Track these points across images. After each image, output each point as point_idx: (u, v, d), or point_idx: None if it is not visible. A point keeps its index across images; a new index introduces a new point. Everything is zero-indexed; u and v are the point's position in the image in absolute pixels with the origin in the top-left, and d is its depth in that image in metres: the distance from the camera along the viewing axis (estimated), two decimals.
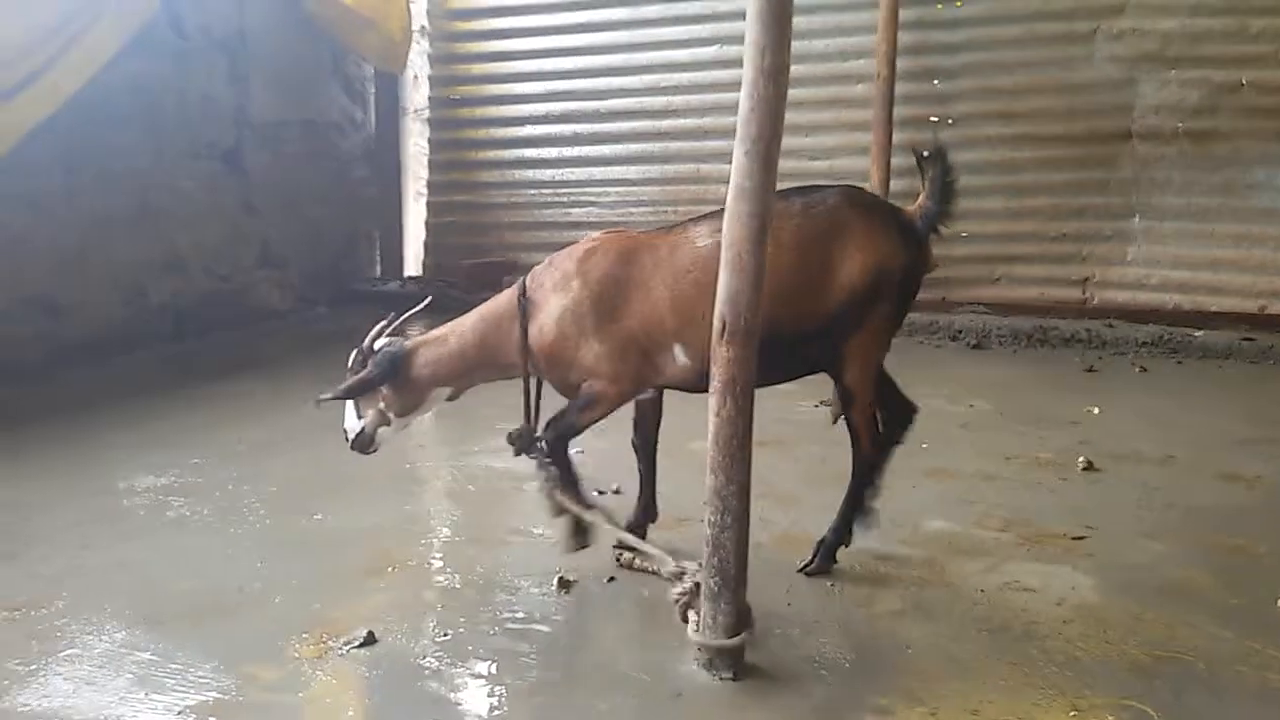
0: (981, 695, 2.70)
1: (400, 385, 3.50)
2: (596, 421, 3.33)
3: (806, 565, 3.44)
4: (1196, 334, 6.48)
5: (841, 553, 3.50)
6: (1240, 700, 2.69)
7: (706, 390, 3.08)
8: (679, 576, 2.99)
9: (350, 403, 3.55)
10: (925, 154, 3.38)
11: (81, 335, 6.29)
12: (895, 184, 7.33)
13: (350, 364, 3.54)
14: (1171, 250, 7.03)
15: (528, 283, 3.37)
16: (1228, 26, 6.76)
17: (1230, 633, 3.01)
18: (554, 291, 3.29)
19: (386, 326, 3.66)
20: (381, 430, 3.56)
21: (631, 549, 3.37)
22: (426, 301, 3.88)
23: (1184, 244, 7.00)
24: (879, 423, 3.43)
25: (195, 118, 7.08)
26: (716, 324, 2.69)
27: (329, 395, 3.49)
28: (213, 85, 7.20)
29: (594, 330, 3.22)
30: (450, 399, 3.60)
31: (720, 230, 3.12)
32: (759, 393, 2.76)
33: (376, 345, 3.57)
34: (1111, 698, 2.68)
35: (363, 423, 3.52)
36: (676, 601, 2.96)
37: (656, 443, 3.62)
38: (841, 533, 3.46)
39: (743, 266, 2.64)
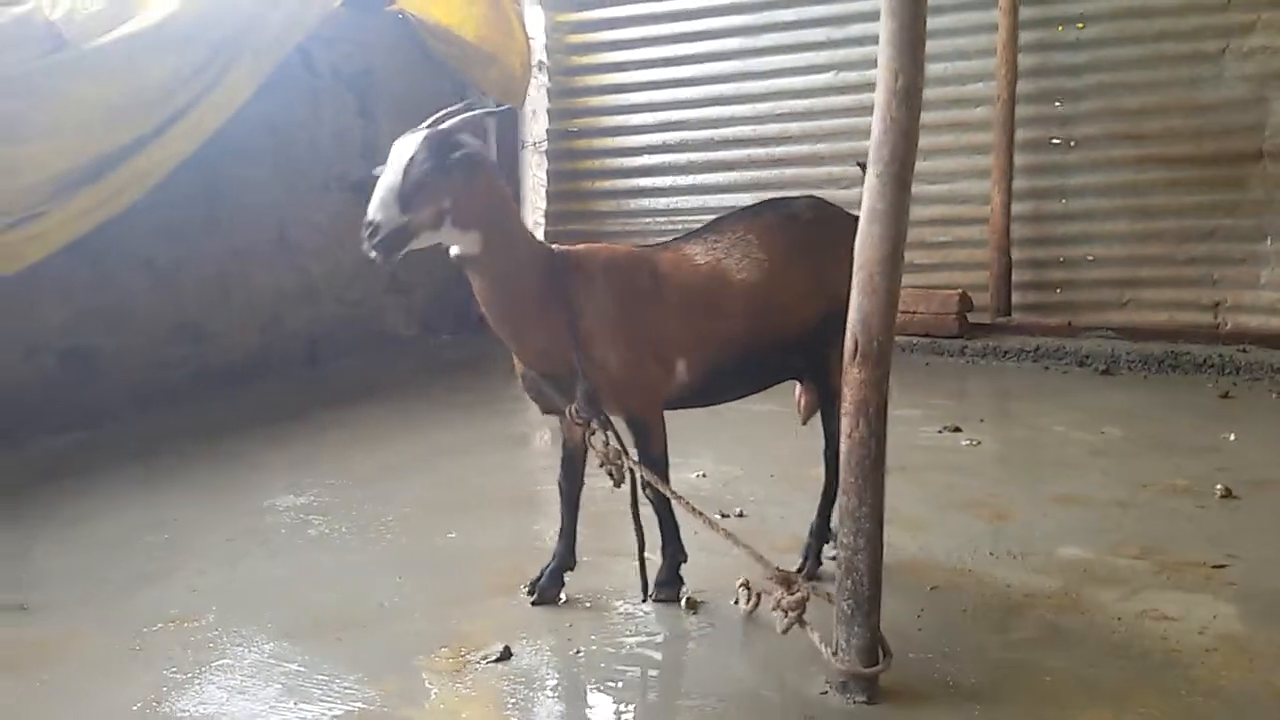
0: None
1: (468, 196, 3.04)
2: (665, 438, 3.36)
3: (801, 568, 3.50)
4: None
5: (973, 579, 3.49)
6: None
7: (688, 407, 3.45)
8: (787, 584, 2.95)
9: (398, 190, 2.94)
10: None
11: (223, 361, 6.59)
12: (1017, 207, 7.27)
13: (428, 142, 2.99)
14: None
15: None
16: None
17: None
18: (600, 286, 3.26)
19: (464, 114, 3.14)
20: (424, 237, 3.04)
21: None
22: (504, 108, 3.79)
23: None
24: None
25: (326, 152, 7.37)
26: (849, 345, 2.72)
27: (456, 120, 3.08)
28: (342, 121, 7.50)
29: (625, 336, 3.24)
30: (456, 261, 3.19)
31: (714, 247, 3.40)
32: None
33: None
34: None
35: (409, 217, 2.95)
36: (784, 610, 2.90)
37: (582, 485, 3.56)
38: (824, 533, 3.58)
39: (875, 288, 2.66)
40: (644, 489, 3.33)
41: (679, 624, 3.29)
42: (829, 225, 3.51)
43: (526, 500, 4.67)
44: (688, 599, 3.40)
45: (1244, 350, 6.49)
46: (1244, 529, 3.94)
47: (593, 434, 3.29)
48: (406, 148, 2.97)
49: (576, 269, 3.23)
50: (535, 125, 8.94)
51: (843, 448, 2.74)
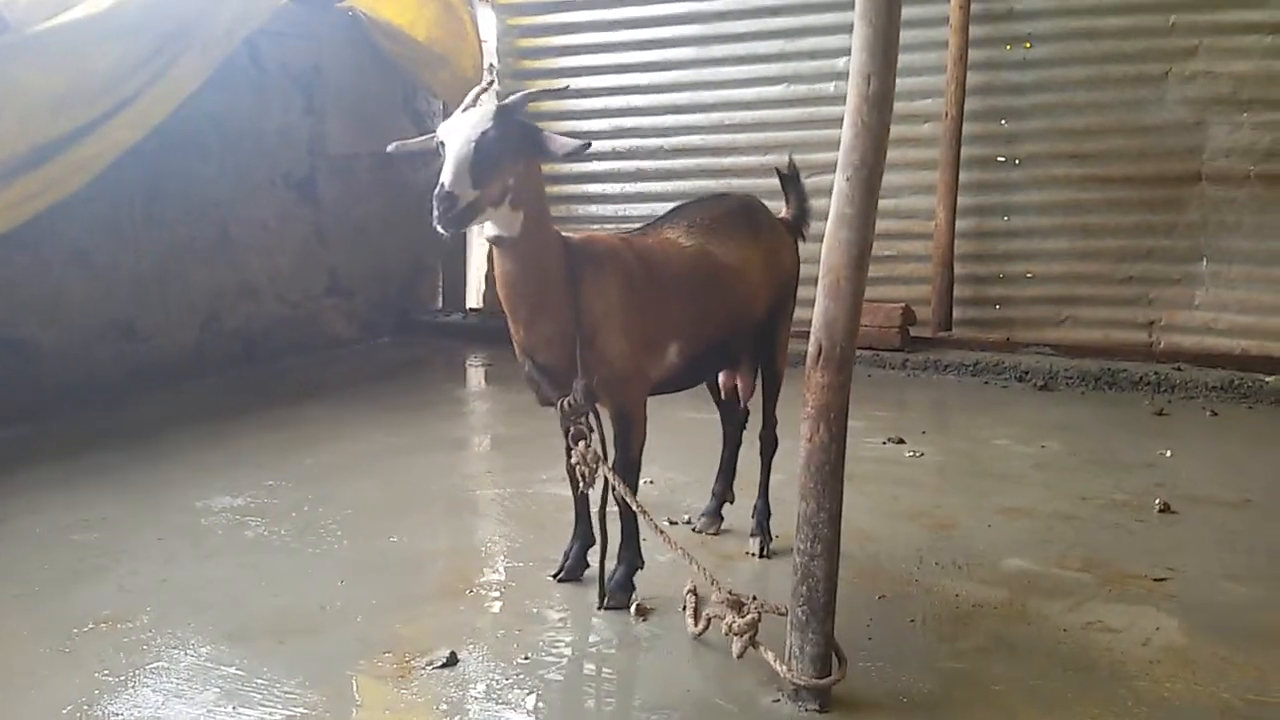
0: None
1: (527, 177, 3.01)
2: (645, 435, 3.37)
3: (761, 552, 3.81)
4: (1267, 379, 6.36)
5: (920, 589, 3.51)
6: None
7: (675, 390, 3.57)
8: (738, 608, 2.94)
9: (470, 162, 2.83)
10: (783, 172, 4.02)
11: (159, 359, 6.43)
12: (961, 223, 7.35)
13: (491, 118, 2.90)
14: (1240, 295, 6.93)
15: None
16: None
17: None
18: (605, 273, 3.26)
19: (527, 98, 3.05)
20: (486, 213, 2.93)
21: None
22: (565, 86, 3.87)
23: (1253, 288, 6.90)
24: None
25: (272, 149, 7.24)
26: (812, 349, 2.70)
27: (519, 97, 3.00)
28: (289, 117, 7.37)
29: (627, 325, 3.25)
30: (493, 241, 3.09)
31: (691, 230, 3.53)
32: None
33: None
34: None
35: (479, 192, 2.83)
36: (735, 633, 2.89)
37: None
38: (767, 510, 3.87)
39: (841, 293, 2.65)
40: (612, 491, 3.29)
41: (629, 631, 3.26)
42: (769, 218, 3.85)
43: (468, 503, 4.61)
44: (638, 606, 3.36)
45: (1178, 369, 6.61)
46: (1183, 543, 4.01)
47: (575, 431, 3.25)
48: (475, 121, 2.88)
49: (586, 258, 3.20)
50: None
51: (801, 452, 2.73)
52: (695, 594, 3.27)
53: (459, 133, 2.87)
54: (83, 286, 6.02)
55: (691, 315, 3.45)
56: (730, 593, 2.99)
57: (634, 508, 3.24)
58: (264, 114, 7.17)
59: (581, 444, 3.24)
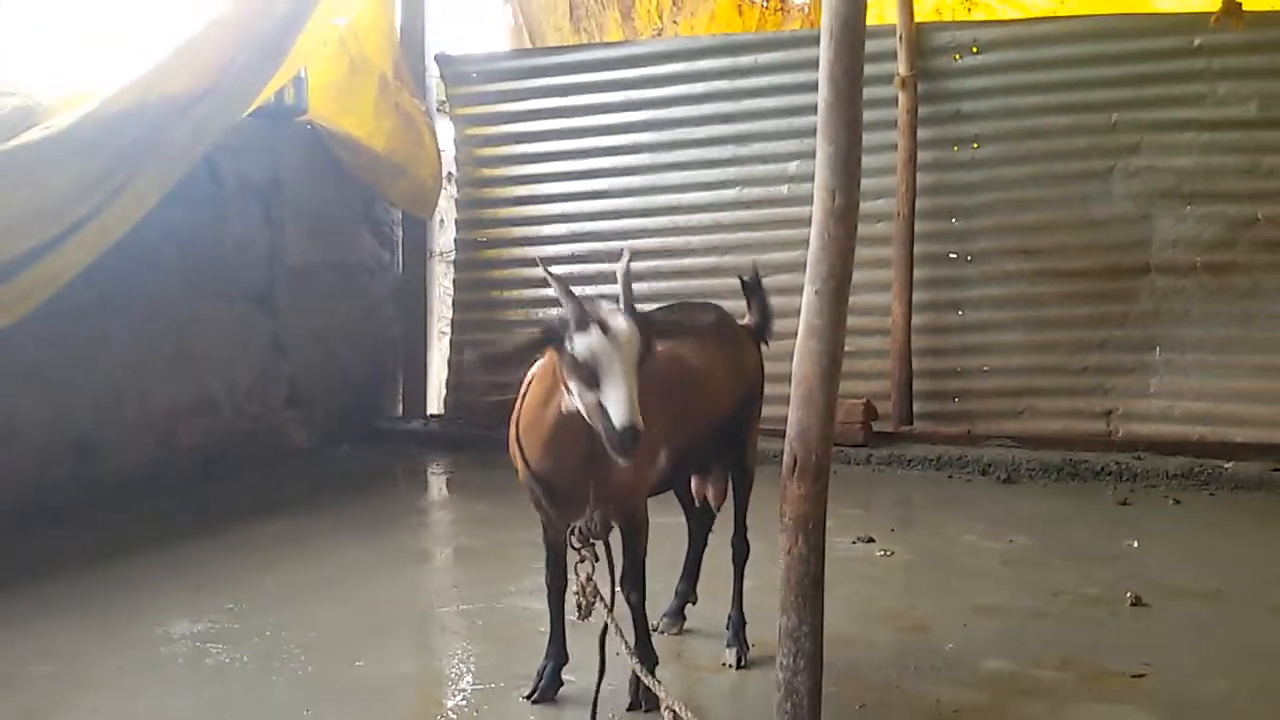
0: None
1: None
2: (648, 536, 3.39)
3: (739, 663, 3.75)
4: (1226, 466, 6.46)
5: (901, 695, 3.47)
6: None
7: (654, 495, 3.52)
8: None
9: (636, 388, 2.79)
10: (746, 280, 4.08)
11: (114, 478, 6.28)
12: (917, 318, 7.45)
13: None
14: (1194, 382, 7.06)
15: None
16: (1240, 164, 6.94)
17: None
18: None
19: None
20: None
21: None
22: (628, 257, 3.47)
23: (1206, 376, 7.04)
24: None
25: (230, 261, 7.21)
26: (787, 460, 2.71)
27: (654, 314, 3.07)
28: (248, 230, 7.36)
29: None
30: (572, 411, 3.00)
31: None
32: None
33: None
34: None
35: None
36: None
37: (567, 582, 3.45)
38: (742, 620, 3.84)
39: (814, 402, 2.68)
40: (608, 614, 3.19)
41: None
42: (733, 322, 3.94)
43: (435, 621, 4.52)
44: None
45: (1139, 457, 6.69)
46: (1157, 637, 4.01)
47: (581, 560, 3.17)
48: (630, 349, 2.79)
49: None
50: (443, 235, 8.93)
51: (781, 565, 2.72)
52: (674, 713, 3.19)
53: (619, 362, 2.76)
54: (35, 406, 5.90)
55: (675, 420, 3.42)
56: None
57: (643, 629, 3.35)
58: (222, 227, 7.15)
59: (584, 575, 3.17)
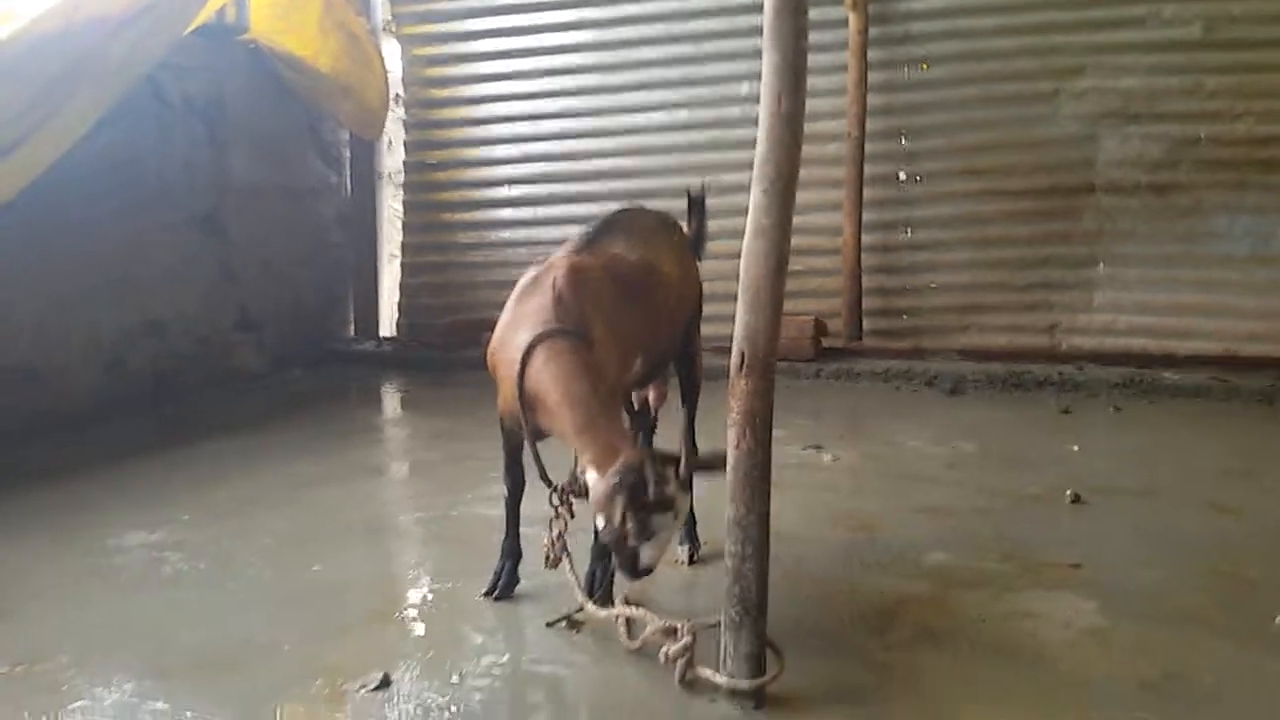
0: (1000, 714, 2.75)
1: None
2: None
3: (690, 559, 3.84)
4: (1166, 375, 6.64)
5: (847, 588, 3.59)
6: (1250, 711, 2.77)
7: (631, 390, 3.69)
8: (671, 634, 2.95)
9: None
10: (692, 195, 4.13)
11: (61, 404, 6.22)
12: (866, 238, 7.53)
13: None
14: (1137, 296, 7.21)
15: None
16: (1185, 84, 7.02)
17: (1233, 651, 3.09)
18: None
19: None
20: None
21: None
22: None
23: (1148, 290, 7.19)
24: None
25: (175, 184, 7.09)
26: (735, 358, 2.76)
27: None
28: (192, 152, 7.24)
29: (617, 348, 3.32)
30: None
31: (631, 243, 3.55)
32: None
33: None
34: (1128, 713, 2.74)
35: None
36: (672, 660, 2.91)
37: (524, 484, 3.54)
38: (693, 519, 3.84)
39: (762, 302, 2.73)
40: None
41: (564, 643, 3.25)
42: (681, 231, 4.00)
43: (391, 528, 4.58)
44: (569, 619, 3.36)
45: (1081, 369, 6.85)
46: (1095, 532, 4.15)
47: (556, 517, 3.26)
48: (677, 517, 2.94)
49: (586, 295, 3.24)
50: (391, 157, 8.83)
51: (730, 458, 2.78)
52: (627, 603, 3.28)
53: (671, 529, 2.91)
54: None
55: (647, 327, 3.48)
56: (662, 623, 3.00)
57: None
58: (167, 150, 7.02)
59: (556, 531, 3.27)
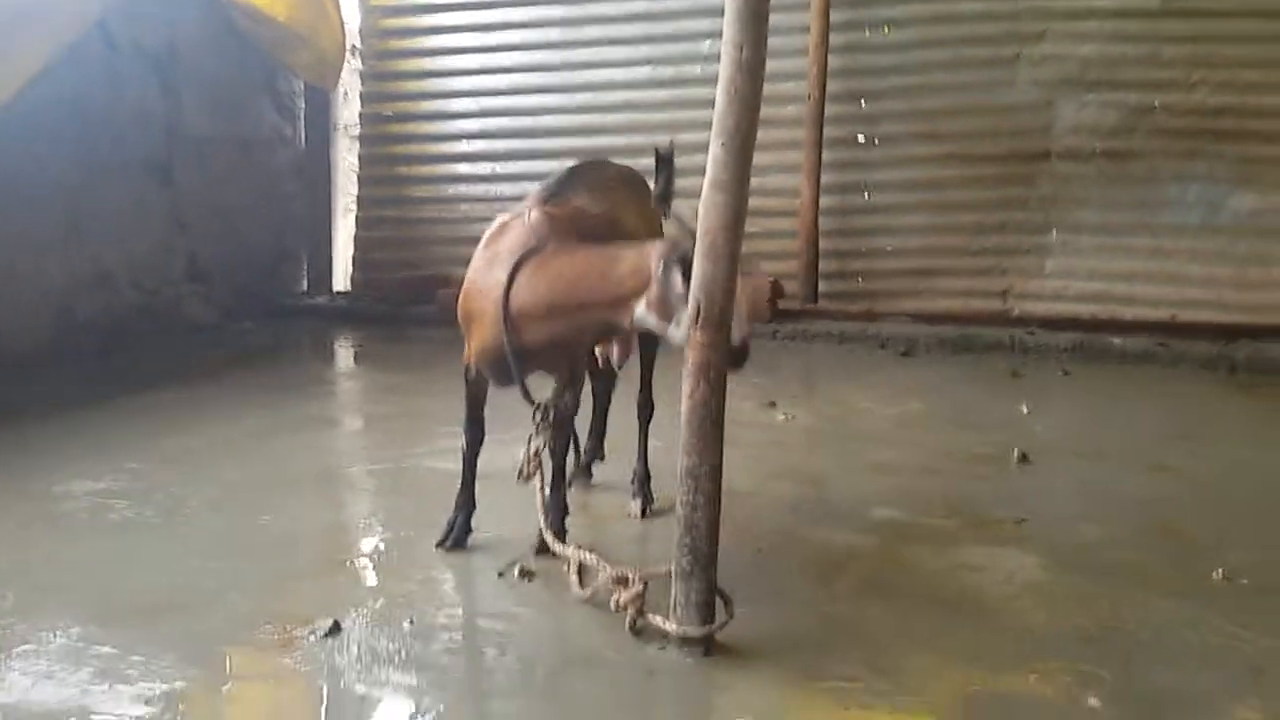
0: (943, 664, 2.79)
1: None
2: None
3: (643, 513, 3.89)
4: (1114, 340, 6.75)
5: (797, 540, 3.64)
6: (1184, 662, 2.83)
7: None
8: (623, 582, 2.99)
9: None
10: (661, 152, 3.86)
11: (8, 353, 6.11)
12: (824, 200, 7.55)
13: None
14: (1088, 263, 7.31)
15: None
16: (1141, 53, 7.09)
17: (1171, 604, 3.16)
18: None
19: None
20: None
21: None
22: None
23: (1100, 257, 7.29)
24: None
25: (126, 132, 6.97)
26: (691, 308, 2.76)
27: None
28: (144, 100, 7.11)
29: None
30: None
31: (594, 197, 3.52)
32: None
33: None
34: (1066, 663, 2.80)
35: None
36: (623, 608, 2.94)
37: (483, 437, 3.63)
38: (646, 473, 3.94)
39: (718, 254, 2.73)
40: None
41: (515, 592, 3.27)
42: (645, 185, 3.78)
43: (343, 480, 4.57)
44: (521, 568, 3.37)
45: (1031, 333, 6.95)
46: (1039, 490, 4.24)
47: (538, 434, 3.35)
48: None
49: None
50: (347, 109, 8.72)
51: (684, 408, 2.80)
52: (579, 552, 3.30)
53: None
54: None
55: None
56: (614, 572, 3.03)
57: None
58: (117, 97, 6.89)
59: (534, 448, 3.36)
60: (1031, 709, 2.61)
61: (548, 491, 3.46)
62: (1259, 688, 2.69)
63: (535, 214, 3.27)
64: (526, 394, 3.32)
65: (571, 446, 3.84)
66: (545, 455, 3.42)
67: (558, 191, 3.47)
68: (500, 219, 3.41)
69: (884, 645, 2.90)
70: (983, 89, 7.39)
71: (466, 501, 3.59)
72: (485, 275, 3.28)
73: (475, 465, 3.56)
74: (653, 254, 2.97)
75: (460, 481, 3.58)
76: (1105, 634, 2.97)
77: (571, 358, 3.40)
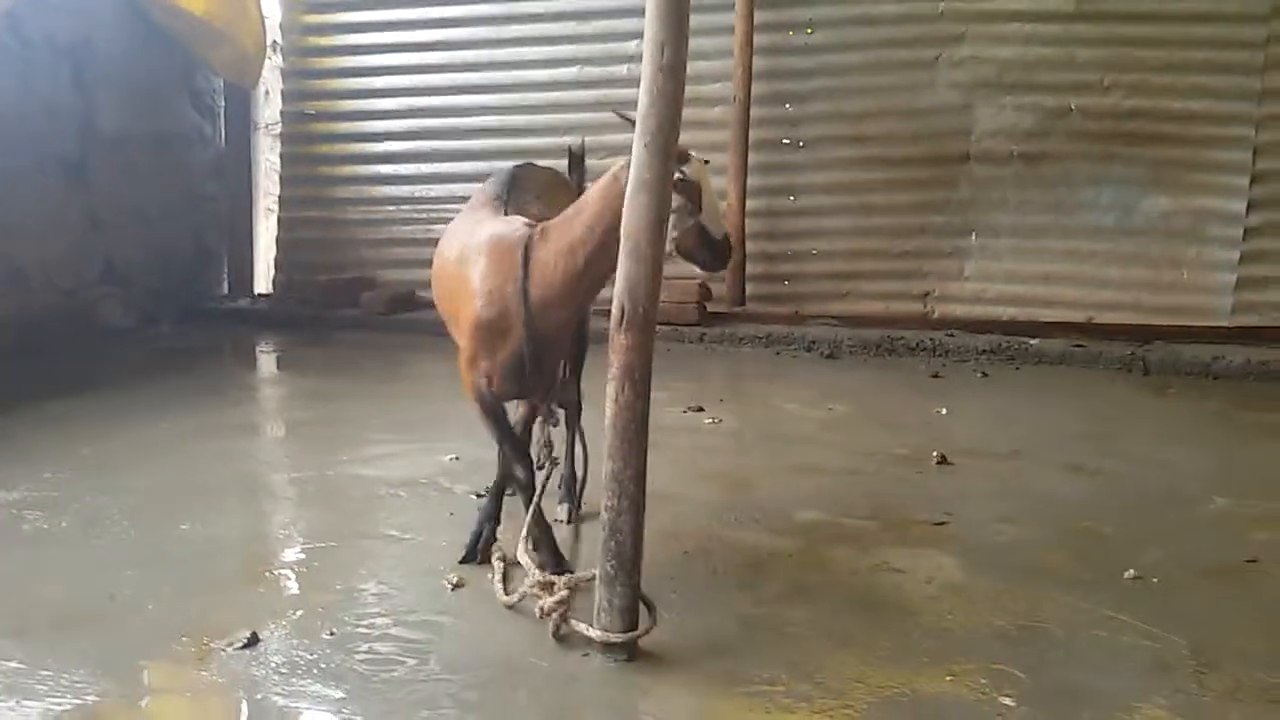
0: (863, 665, 2.83)
1: None
2: None
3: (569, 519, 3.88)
4: (1031, 342, 6.89)
5: (721, 543, 3.67)
6: (1096, 660, 2.90)
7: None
8: (548, 588, 2.99)
9: None
10: (574, 151, 4.07)
11: None
12: (751, 203, 7.60)
13: None
14: (1006, 266, 7.46)
15: None
16: (1057, 56, 7.24)
17: (1085, 603, 3.24)
18: None
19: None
20: None
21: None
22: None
23: (1017, 260, 7.45)
24: None
25: (38, 129, 6.78)
26: (615, 312, 2.76)
27: None
28: (57, 95, 6.92)
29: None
30: None
31: (540, 204, 3.47)
32: None
33: None
34: (982, 663, 2.85)
35: None
36: (547, 614, 2.94)
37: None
38: (574, 476, 3.95)
39: (642, 256, 2.73)
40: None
41: (440, 601, 3.24)
42: (570, 186, 3.85)
43: (264, 488, 4.50)
44: (450, 577, 3.35)
45: (951, 335, 7.07)
46: (959, 491, 4.30)
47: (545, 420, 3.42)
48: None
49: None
50: (268, 107, 8.58)
51: (608, 412, 2.80)
52: (504, 560, 3.30)
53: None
54: None
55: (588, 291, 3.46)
56: (539, 578, 3.03)
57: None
58: (29, 92, 6.70)
59: (545, 436, 3.41)
60: (948, 708, 2.65)
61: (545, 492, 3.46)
62: (1167, 685, 2.76)
63: (511, 215, 3.32)
64: (544, 390, 3.33)
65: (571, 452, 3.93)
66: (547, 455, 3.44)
67: (508, 199, 3.45)
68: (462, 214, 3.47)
69: (806, 648, 2.93)
70: (904, 92, 7.50)
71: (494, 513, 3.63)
72: (464, 241, 3.31)
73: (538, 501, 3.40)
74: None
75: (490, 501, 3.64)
76: (1021, 633, 3.04)
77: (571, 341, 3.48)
